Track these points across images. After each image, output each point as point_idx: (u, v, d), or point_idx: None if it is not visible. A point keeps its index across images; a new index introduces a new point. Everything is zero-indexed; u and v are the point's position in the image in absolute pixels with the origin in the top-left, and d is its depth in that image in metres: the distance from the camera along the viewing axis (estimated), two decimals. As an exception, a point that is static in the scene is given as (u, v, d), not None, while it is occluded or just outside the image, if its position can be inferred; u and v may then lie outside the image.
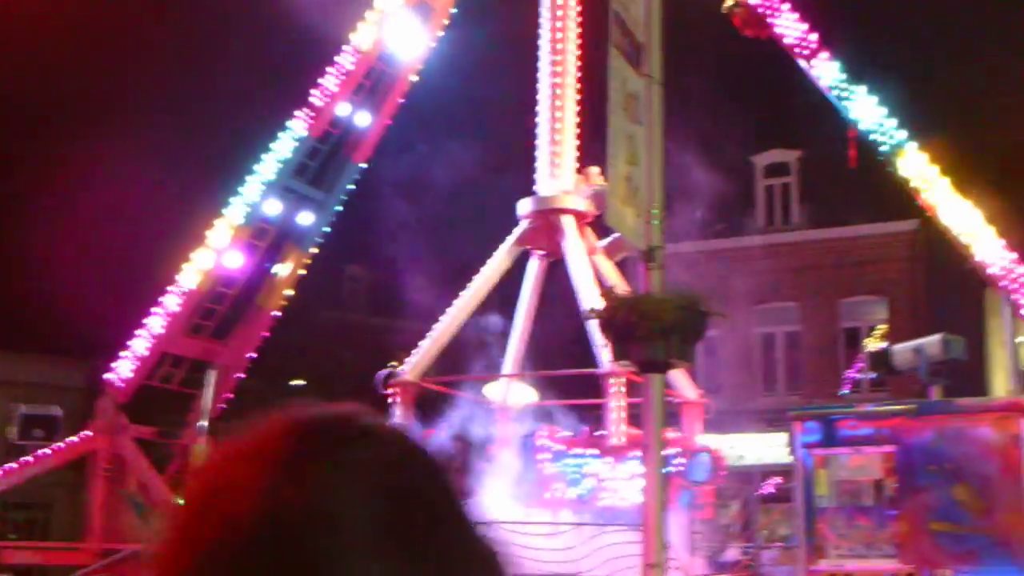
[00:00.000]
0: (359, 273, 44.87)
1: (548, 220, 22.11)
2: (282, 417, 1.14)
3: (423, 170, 27.22)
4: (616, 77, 10.67)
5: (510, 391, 21.81)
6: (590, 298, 20.45)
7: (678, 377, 21.22)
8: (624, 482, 19.19)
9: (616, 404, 19.94)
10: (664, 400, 10.45)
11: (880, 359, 17.44)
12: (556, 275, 22.53)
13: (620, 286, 16.62)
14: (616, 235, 19.47)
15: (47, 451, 24.22)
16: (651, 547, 9.96)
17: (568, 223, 21.70)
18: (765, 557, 18.10)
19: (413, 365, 22.15)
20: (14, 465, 23.96)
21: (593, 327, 20.31)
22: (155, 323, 24.35)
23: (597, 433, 20.03)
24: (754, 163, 36.90)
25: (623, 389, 19.92)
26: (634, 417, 22.93)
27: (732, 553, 19.91)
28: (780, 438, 31.00)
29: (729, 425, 26.01)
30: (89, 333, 28.34)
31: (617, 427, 19.85)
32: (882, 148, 19.86)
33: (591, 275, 21.01)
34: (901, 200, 22.71)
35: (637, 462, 19.29)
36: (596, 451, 19.64)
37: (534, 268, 22.95)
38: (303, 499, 1.04)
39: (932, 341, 14.40)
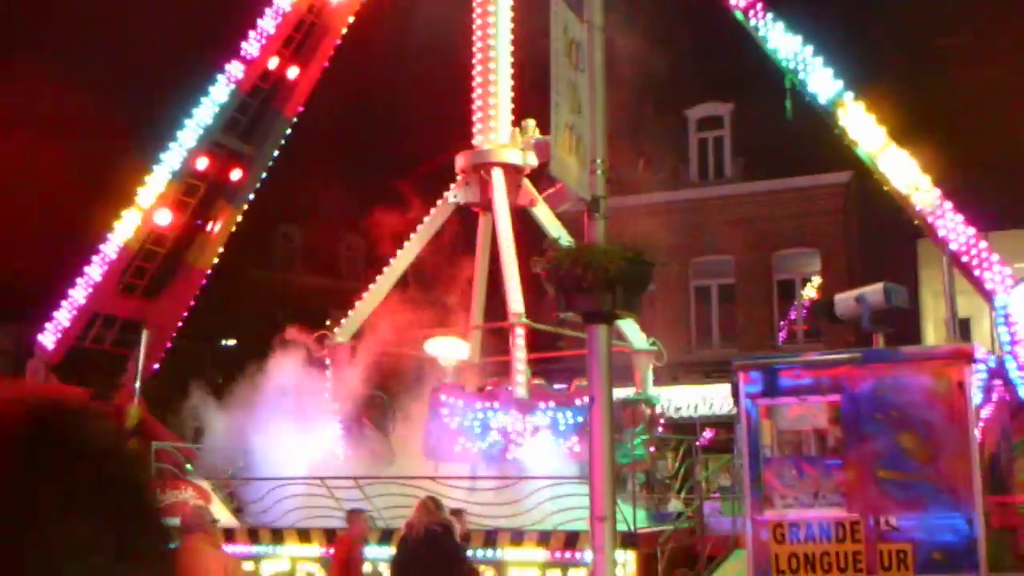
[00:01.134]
0: (293, 231, 44.36)
1: (483, 174, 21.91)
2: (19, 400, 1.46)
3: (358, 125, 26.86)
4: (558, 23, 10.47)
5: (452, 348, 21.64)
6: (510, 252, 20.40)
7: (628, 328, 21.16)
8: (530, 435, 19.09)
9: (520, 356, 19.81)
10: (610, 351, 10.30)
11: (822, 308, 17.49)
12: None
13: (564, 237, 16.45)
14: (558, 186, 19.31)
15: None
16: (599, 500, 9.85)
17: (497, 176, 21.50)
18: (707, 508, 18.14)
19: (345, 326, 21.90)
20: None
21: (509, 280, 20.27)
22: (85, 282, 23.91)
23: (507, 388, 19.90)
24: (687, 116, 36.87)
25: (521, 342, 19.81)
26: (551, 372, 23.04)
27: (673, 505, 19.96)
28: (716, 389, 31.28)
29: (665, 377, 26.07)
30: (17, 294, 27.76)
31: (519, 379, 19.73)
32: (820, 100, 19.82)
33: (510, 229, 20.89)
34: (834, 152, 22.75)
35: (543, 415, 19.25)
36: (498, 404, 19.53)
37: (483, 223, 22.68)
38: (14, 475, 1.38)
39: (874, 290, 14.40)
